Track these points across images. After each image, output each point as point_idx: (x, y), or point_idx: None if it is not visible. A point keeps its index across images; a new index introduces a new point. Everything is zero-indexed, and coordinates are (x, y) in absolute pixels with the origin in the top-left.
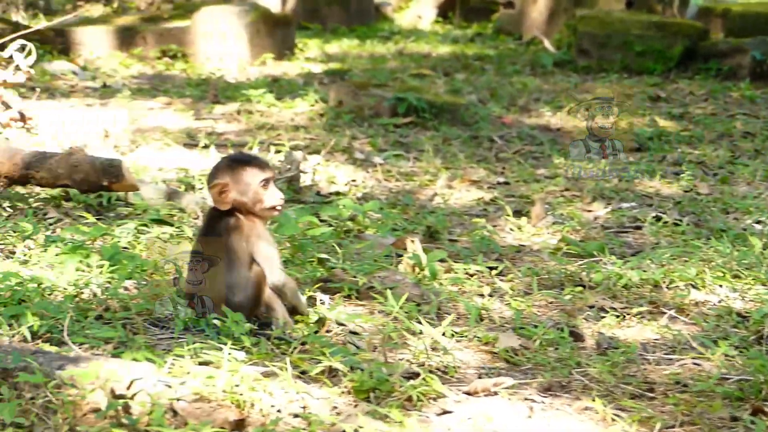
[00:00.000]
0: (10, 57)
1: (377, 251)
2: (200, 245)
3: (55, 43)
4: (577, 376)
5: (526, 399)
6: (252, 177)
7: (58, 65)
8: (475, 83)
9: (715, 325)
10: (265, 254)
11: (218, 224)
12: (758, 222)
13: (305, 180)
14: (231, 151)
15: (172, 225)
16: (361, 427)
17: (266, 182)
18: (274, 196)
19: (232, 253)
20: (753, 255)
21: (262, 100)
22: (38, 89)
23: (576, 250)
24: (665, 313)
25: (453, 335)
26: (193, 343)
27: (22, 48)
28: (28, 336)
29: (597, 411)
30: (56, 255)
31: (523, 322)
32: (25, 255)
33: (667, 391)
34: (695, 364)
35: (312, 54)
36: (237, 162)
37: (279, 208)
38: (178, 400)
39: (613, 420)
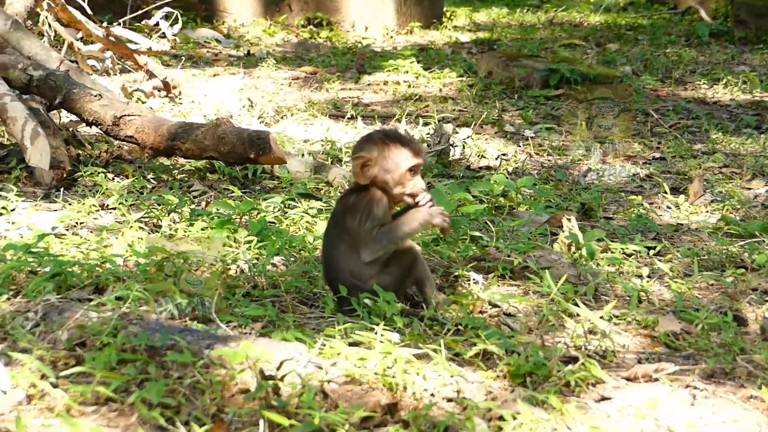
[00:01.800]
0: (156, 24)
1: (531, 229)
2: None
3: (199, 10)
4: (742, 362)
5: (688, 386)
6: (403, 159)
7: (202, 33)
8: (628, 54)
9: None
10: (365, 229)
11: (340, 201)
12: None
13: (455, 153)
14: (379, 124)
15: (319, 199)
16: (518, 414)
17: (415, 169)
18: (417, 184)
19: (348, 236)
20: None
21: (409, 70)
22: (182, 57)
23: (737, 229)
24: None
25: (611, 318)
26: (344, 322)
27: (167, 16)
28: (176, 313)
29: (763, 399)
30: (203, 229)
31: (684, 305)
32: (170, 229)
33: None
34: None
35: (460, 23)
36: (391, 139)
37: (418, 198)
38: (328, 381)
39: None
